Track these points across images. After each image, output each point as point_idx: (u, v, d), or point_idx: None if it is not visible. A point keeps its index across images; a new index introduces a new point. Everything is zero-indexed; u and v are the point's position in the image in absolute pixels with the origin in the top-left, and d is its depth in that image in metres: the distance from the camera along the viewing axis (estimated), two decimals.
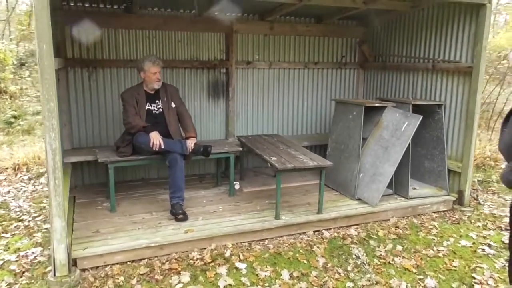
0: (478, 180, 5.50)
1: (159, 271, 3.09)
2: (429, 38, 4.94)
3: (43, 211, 4.40)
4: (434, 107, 4.67)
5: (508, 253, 2.75)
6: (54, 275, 2.86)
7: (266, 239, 3.72)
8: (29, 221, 4.13)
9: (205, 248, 3.46)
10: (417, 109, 4.51)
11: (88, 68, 4.76)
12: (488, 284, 3.08)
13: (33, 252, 3.42)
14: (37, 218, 4.20)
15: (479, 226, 4.13)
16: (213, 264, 3.21)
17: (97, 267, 3.15)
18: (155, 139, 3.75)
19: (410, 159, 4.43)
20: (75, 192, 4.53)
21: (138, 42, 4.92)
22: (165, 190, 4.66)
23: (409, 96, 5.26)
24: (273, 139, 4.90)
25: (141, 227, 3.60)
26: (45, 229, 3.91)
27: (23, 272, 3.10)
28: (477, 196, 4.86)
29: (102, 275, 3.04)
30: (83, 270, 3.09)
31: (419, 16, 5.07)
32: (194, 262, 3.22)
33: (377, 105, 4.57)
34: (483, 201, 4.82)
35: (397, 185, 4.58)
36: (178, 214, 3.72)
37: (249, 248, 3.54)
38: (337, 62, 6.06)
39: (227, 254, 3.36)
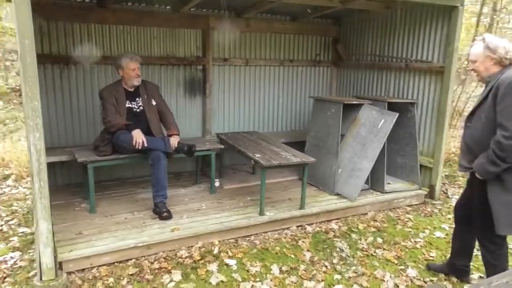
0: (445, 175, 5.78)
1: (148, 271, 3.05)
2: (403, 39, 5.13)
3: (16, 214, 4.21)
4: (407, 105, 4.86)
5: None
6: (41, 279, 2.76)
7: (252, 235, 3.76)
8: (1, 225, 3.93)
9: (192, 246, 3.45)
10: (391, 107, 4.68)
11: (60, 64, 4.59)
12: None
13: (11, 257, 3.27)
14: (10, 222, 4.02)
15: (449, 219, 4.35)
16: (202, 261, 3.21)
17: (84, 269, 3.07)
18: (138, 137, 3.68)
19: (385, 155, 4.59)
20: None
21: (112, 38, 4.79)
22: (143, 189, 4.61)
23: (382, 94, 5.45)
24: (253, 136, 4.93)
25: (125, 227, 3.53)
26: (21, 232, 3.76)
27: (5, 278, 2.96)
28: (446, 190, 5.11)
29: (90, 277, 2.97)
30: (69, 273, 3.00)
31: (393, 16, 5.25)
32: (184, 261, 3.21)
33: (354, 102, 4.70)
34: (451, 194, 5.08)
35: (373, 180, 4.74)
36: (163, 212, 3.68)
37: (236, 244, 3.56)
38: (312, 60, 6.17)
39: (216, 251, 3.37)
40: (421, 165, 4.89)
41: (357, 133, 4.69)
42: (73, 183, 4.75)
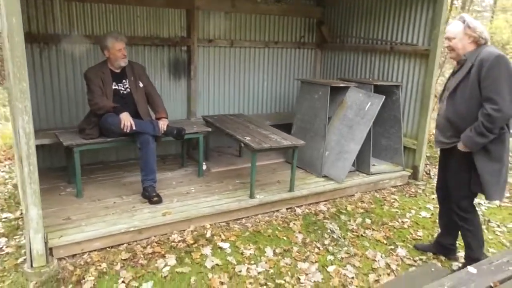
0: (426, 156, 5.91)
1: (142, 256, 3.02)
2: (388, 21, 5.15)
3: None
4: (392, 87, 4.91)
5: None
6: (31, 266, 2.69)
7: (243, 218, 3.76)
8: None
9: (184, 230, 3.43)
10: (376, 89, 4.72)
11: (39, 44, 4.39)
12: None
13: None
14: None
15: (433, 199, 4.47)
16: (196, 245, 3.19)
17: (75, 255, 3.00)
18: (126, 120, 3.58)
19: (371, 137, 4.65)
20: None
21: (94, 16, 4.60)
22: (129, 172, 4.53)
23: (367, 76, 5.48)
24: (240, 119, 4.89)
25: (115, 212, 3.47)
26: (4, 218, 3.63)
27: None
28: (429, 170, 5.24)
29: (82, 263, 2.91)
30: (60, 259, 2.93)
31: None
32: (177, 245, 3.19)
33: (342, 85, 4.71)
34: (433, 175, 5.21)
35: (359, 162, 4.81)
36: (152, 197, 3.63)
37: (228, 227, 3.56)
38: (296, 42, 6.13)
39: (208, 235, 3.36)
40: (404, 147, 4.99)
41: (344, 116, 4.72)
42: (55, 167, 4.61)
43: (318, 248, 3.31)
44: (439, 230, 3.33)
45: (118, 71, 3.84)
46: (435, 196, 4.48)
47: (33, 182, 2.59)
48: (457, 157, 2.76)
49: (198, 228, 3.47)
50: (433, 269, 2.27)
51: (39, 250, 2.70)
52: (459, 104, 2.67)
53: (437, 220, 3.38)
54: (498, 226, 3.87)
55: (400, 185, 4.86)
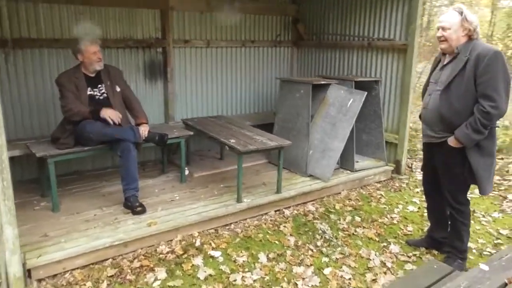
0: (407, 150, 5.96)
1: (129, 271, 2.85)
2: (364, 17, 5.14)
3: None
4: (371, 83, 4.90)
5: None
6: None
7: (231, 223, 3.64)
8: None
9: (171, 240, 3.28)
10: (356, 85, 4.68)
11: (4, 49, 4.11)
12: None
13: None
14: None
15: (418, 192, 4.50)
16: (186, 255, 3.05)
17: (55, 275, 2.80)
18: (112, 114, 3.43)
19: (354, 134, 4.62)
20: None
21: (63, 19, 4.36)
22: (107, 182, 4.33)
23: (345, 73, 5.46)
24: (221, 121, 4.76)
25: (96, 225, 3.27)
26: None
27: None
28: (411, 164, 5.27)
29: (64, 283, 2.72)
30: (39, 280, 2.73)
31: None
32: (165, 256, 3.04)
33: (323, 82, 4.66)
34: (415, 168, 5.25)
35: (343, 159, 4.77)
36: (136, 207, 3.46)
37: (217, 234, 3.43)
38: (272, 40, 6.05)
39: (198, 244, 3.23)
40: (386, 142, 4.99)
41: (326, 113, 4.67)
42: (26, 179, 4.34)
43: (312, 250, 3.23)
44: (429, 224, 3.33)
45: (92, 75, 3.64)
46: (419, 189, 4.53)
47: (7, 199, 2.40)
48: (448, 152, 2.73)
49: (186, 237, 3.33)
50: (435, 266, 2.22)
51: (16, 273, 2.50)
52: (454, 99, 2.63)
53: (426, 215, 3.38)
54: (483, 216, 3.91)
55: (384, 180, 4.86)
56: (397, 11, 4.75)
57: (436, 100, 2.73)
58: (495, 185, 4.62)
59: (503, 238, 3.48)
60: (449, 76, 2.65)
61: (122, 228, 3.23)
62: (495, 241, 3.42)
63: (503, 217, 3.89)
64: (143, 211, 3.46)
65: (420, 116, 3.08)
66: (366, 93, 4.45)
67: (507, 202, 4.20)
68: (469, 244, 3.31)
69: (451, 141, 2.68)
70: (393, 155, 5.03)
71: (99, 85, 3.66)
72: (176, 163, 4.82)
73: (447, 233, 3.21)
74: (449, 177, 2.82)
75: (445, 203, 2.97)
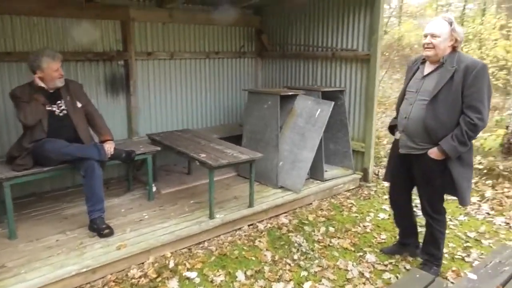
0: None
1: None
2: (327, 28, 5.21)
3: None
4: (336, 92, 4.96)
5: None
6: None
7: (205, 241, 3.52)
8: None
9: (143, 263, 3.11)
10: (322, 95, 4.72)
11: None
12: None
13: None
14: None
15: (386, 199, 4.55)
16: (160, 279, 2.90)
17: None
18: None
19: (323, 143, 4.64)
20: None
21: (16, 31, 4.09)
22: (68, 203, 4.09)
23: (310, 83, 5.51)
24: (187, 135, 4.64)
25: (60, 252, 3.05)
26: None
27: None
28: (377, 171, 5.36)
29: None
30: None
31: (315, 6, 5.30)
32: (138, 281, 2.87)
33: (290, 93, 4.66)
34: (381, 175, 5.34)
35: (312, 169, 4.76)
36: (102, 229, 3.26)
37: (191, 254, 3.30)
38: (236, 51, 6.01)
39: (171, 265, 3.08)
40: (353, 150, 5.05)
41: (294, 124, 4.67)
42: None
43: (289, 264, 3.17)
44: (400, 232, 3.35)
45: (51, 91, 3.41)
46: (387, 196, 4.57)
47: None
48: (428, 163, 2.73)
49: (159, 258, 3.17)
50: (417, 275, 2.22)
51: None
52: (441, 110, 2.60)
53: (396, 224, 3.38)
54: (451, 220, 4.02)
55: (353, 189, 4.91)
56: (359, 22, 4.85)
57: (420, 110, 2.69)
58: None
59: (471, 241, 3.58)
60: (436, 86, 2.62)
61: (89, 253, 3.02)
62: (465, 244, 3.51)
63: (468, 220, 4.02)
64: (110, 233, 3.27)
65: (391, 127, 3.07)
66: (333, 103, 4.49)
67: (470, 205, 4.34)
68: None
69: (433, 153, 2.67)
70: (360, 163, 5.10)
71: (58, 101, 3.44)
72: (142, 179, 4.65)
73: (417, 238, 3.26)
74: (428, 187, 2.83)
75: (422, 212, 2.99)
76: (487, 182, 4.74)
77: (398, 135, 2.95)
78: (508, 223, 3.88)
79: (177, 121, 5.53)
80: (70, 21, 4.40)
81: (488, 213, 4.13)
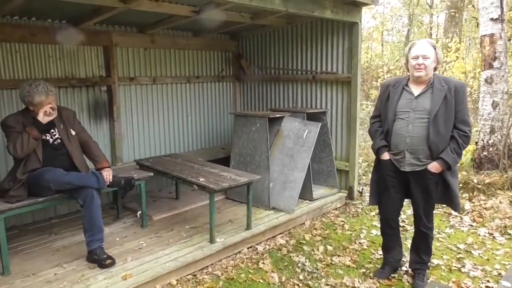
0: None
1: None
2: (306, 52, 5.40)
3: None
4: (319, 114, 5.12)
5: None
6: None
7: (208, 266, 3.47)
8: None
9: None
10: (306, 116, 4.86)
11: None
12: None
13: None
14: None
15: (374, 216, 4.71)
16: None
17: None
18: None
19: (310, 164, 4.75)
20: None
21: None
22: (56, 235, 3.91)
23: (290, 105, 5.65)
24: (177, 159, 4.59)
25: (62, 286, 2.90)
26: None
27: None
28: (361, 189, 5.53)
29: None
30: None
31: (293, 31, 5.50)
32: None
33: (278, 115, 4.76)
34: (363, 193, 5.51)
35: (301, 190, 4.84)
36: (104, 260, 3.13)
37: (197, 280, 3.24)
38: (216, 75, 6.07)
39: None
40: (337, 169, 5.20)
41: (283, 146, 4.75)
42: None
43: (298, 285, 3.19)
44: (389, 254, 3.34)
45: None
46: (374, 213, 4.74)
47: None
48: (427, 177, 2.89)
49: (166, 287, 3.09)
50: (437, 287, 2.33)
51: None
52: (441, 126, 2.80)
53: (387, 245, 3.33)
54: (439, 233, 4.21)
55: (340, 207, 5.02)
56: (338, 46, 5.08)
57: (422, 128, 2.84)
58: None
59: (463, 252, 3.76)
60: (434, 105, 2.81)
61: (94, 285, 2.90)
62: (457, 256, 3.68)
63: (455, 233, 4.22)
64: (112, 263, 3.15)
65: (379, 147, 3.08)
66: (320, 124, 4.64)
67: (452, 218, 4.58)
68: (438, 261, 3.56)
69: (434, 167, 2.84)
70: (344, 182, 5.25)
71: (52, 130, 3.31)
72: (129, 207, 4.53)
73: (402, 252, 3.39)
74: (427, 200, 2.99)
75: (419, 225, 3.12)
76: (463, 195, 5.02)
77: (387, 155, 3.05)
78: (491, 234, 4.12)
79: (160, 146, 5.46)
80: (53, 47, 4.30)
81: (471, 225, 4.36)
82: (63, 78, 4.41)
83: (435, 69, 2.90)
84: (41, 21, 4.21)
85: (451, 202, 2.94)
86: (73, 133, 3.44)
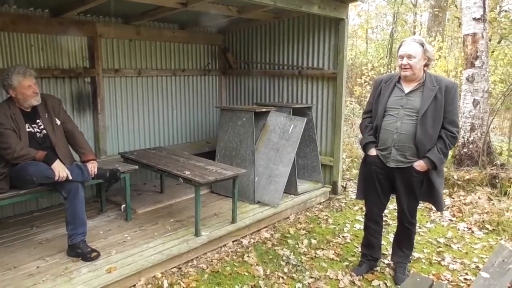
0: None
1: None
2: (293, 48, 5.42)
3: None
4: (304, 109, 5.15)
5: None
6: None
7: (193, 259, 3.47)
8: None
9: (134, 285, 3.00)
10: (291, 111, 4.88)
11: None
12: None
13: None
14: None
15: (357, 210, 4.78)
16: None
17: None
18: (61, 171, 3.03)
19: (295, 158, 4.78)
20: None
21: None
22: (37, 228, 3.86)
23: (276, 100, 5.67)
24: (162, 153, 4.57)
25: (45, 279, 2.86)
26: None
27: None
28: (345, 184, 5.59)
29: None
30: None
31: (280, 26, 5.51)
32: None
33: (264, 110, 4.77)
34: (348, 188, 5.58)
35: (286, 184, 4.86)
36: (89, 253, 3.10)
37: (182, 273, 3.23)
38: (202, 69, 6.04)
39: (166, 285, 3.00)
40: (321, 164, 5.25)
41: (268, 140, 4.77)
42: None
43: (282, 277, 3.22)
44: (369, 250, 3.36)
45: (28, 110, 3.23)
46: (357, 207, 4.82)
47: None
48: (412, 175, 2.93)
49: (150, 279, 3.08)
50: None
51: None
52: (429, 125, 2.82)
53: (370, 242, 3.33)
54: (420, 227, 4.29)
55: (324, 201, 5.08)
56: (324, 42, 5.11)
57: (410, 125, 2.86)
58: None
59: (443, 246, 3.86)
60: (423, 103, 2.82)
61: (78, 278, 2.87)
62: (438, 249, 3.78)
63: (435, 227, 4.32)
64: (97, 256, 3.13)
65: (366, 143, 3.11)
66: (306, 119, 4.67)
67: (433, 213, 4.68)
68: (419, 255, 3.64)
69: (420, 166, 2.88)
70: (328, 177, 5.30)
71: (37, 120, 3.26)
72: (113, 200, 4.49)
73: (380, 253, 3.43)
74: (411, 197, 3.04)
75: (402, 221, 3.18)
76: (444, 191, 5.13)
77: (374, 151, 3.08)
78: (470, 228, 4.23)
79: (144, 139, 5.42)
80: (35, 36, 4.21)
81: (451, 220, 4.47)
82: (45, 69, 4.32)
83: (427, 65, 2.90)
84: (22, 9, 4.11)
85: (435, 201, 2.98)
86: (58, 122, 3.38)
